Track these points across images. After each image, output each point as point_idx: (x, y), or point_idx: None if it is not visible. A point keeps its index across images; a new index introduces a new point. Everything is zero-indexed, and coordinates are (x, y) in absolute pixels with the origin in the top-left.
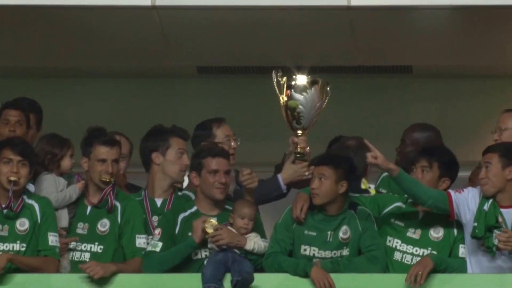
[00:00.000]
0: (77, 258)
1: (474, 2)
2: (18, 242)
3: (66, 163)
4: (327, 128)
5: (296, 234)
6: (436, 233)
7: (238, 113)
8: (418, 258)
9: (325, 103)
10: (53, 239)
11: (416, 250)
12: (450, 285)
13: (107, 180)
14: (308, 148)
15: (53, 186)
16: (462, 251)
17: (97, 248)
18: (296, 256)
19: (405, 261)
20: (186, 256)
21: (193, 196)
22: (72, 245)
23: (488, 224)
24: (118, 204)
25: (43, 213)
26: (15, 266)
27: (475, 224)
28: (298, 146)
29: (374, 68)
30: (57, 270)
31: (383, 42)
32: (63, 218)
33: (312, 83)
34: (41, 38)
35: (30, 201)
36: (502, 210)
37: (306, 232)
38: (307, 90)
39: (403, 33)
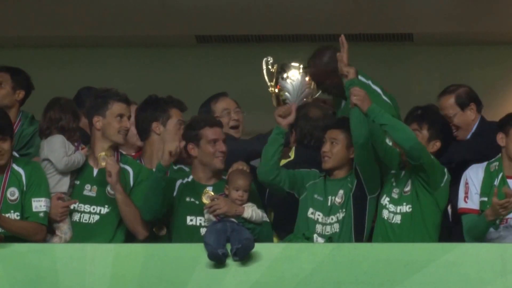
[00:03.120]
0: (85, 220)
1: None
2: (12, 211)
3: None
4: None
5: (307, 195)
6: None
7: (238, 82)
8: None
9: (315, 92)
10: (36, 204)
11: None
12: (450, 254)
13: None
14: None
15: (63, 149)
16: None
17: (106, 210)
18: (302, 218)
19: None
20: (163, 183)
21: (187, 169)
22: (79, 207)
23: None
24: (127, 168)
25: (28, 180)
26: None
27: (485, 199)
28: None
29: (375, 36)
30: (44, 235)
31: (383, 9)
32: (64, 183)
33: (299, 70)
34: (37, 7)
35: (17, 168)
36: (509, 180)
37: (315, 196)
38: (294, 77)
39: (403, 0)
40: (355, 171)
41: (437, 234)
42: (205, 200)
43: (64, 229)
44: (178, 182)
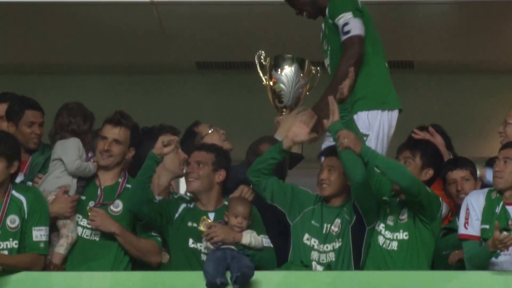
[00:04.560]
0: (86, 236)
1: None
2: (11, 239)
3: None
4: None
5: (303, 219)
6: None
7: (237, 108)
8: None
9: (309, 82)
10: (37, 234)
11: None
12: (453, 283)
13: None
14: None
15: (77, 152)
16: None
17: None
18: (297, 243)
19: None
20: (151, 172)
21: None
22: (82, 221)
23: (499, 227)
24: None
25: (30, 208)
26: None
27: (486, 226)
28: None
29: None
30: (43, 265)
31: (384, 37)
32: (72, 188)
33: (293, 61)
34: (40, 34)
35: (17, 195)
36: (508, 207)
37: (312, 222)
38: (288, 68)
39: (404, 28)
40: (353, 204)
41: (430, 261)
42: (203, 227)
43: (71, 227)
44: (183, 206)
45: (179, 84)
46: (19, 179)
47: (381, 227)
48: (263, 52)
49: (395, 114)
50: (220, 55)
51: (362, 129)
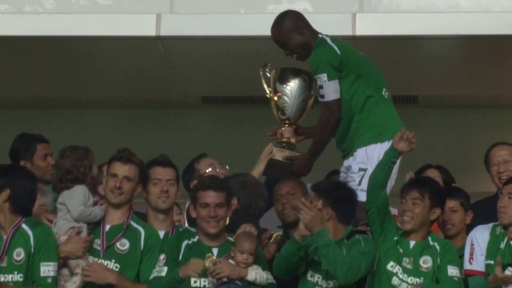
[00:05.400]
0: None
1: (480, 31)
2: (16, 272)
3: (94, 170)
4: (328, 159)
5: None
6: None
7: (241, 142)
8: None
9: (313, 96)
10: (45, 269)
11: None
12: None
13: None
14: (293, 139)
15: (81, 199)
16: (451, 271)
17: (113, 264)
18: (304, 280)
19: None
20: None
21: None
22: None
23: (504, 262)
24: (139, 228)
25: (37, 242)
26: None
27: (491, 262)
28: (284, 137)
29: None
30: None
31: (388, 71)
32: (84, 229)
33: (297, 74)
34: (45, 68)
35: (26, 228)
36: None
37: (316, 257)
38: (291, 81)
39: (409, 63)
40: None
41: None
42: (208, 264)
43: (84, 266)
44: (184, 243)
45: (185, 118)
46: None
47: (396, 269)
48: (269, 64)
49: None
50: (225, 90)
51: (360, 164)
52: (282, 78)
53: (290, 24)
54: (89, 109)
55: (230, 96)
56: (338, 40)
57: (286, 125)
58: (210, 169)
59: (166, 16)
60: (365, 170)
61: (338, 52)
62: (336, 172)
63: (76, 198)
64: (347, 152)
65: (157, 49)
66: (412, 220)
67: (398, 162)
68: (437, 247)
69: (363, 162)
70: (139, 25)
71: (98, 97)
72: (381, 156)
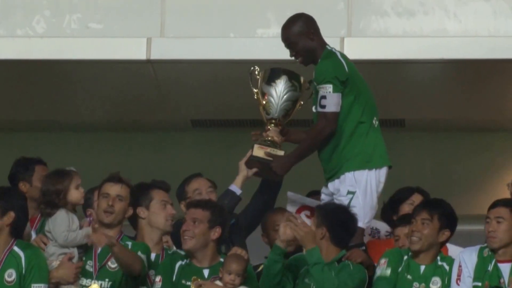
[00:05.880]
0: None
1: (466, 56)
2: None
3: (73, 195)
4: (313, 180)
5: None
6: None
7: (231, 166)
8: None
9: (302, 97)
10: None
11: None
12: None
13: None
14: (277, 138)
15: (65, 224)
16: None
17: (107, 284)
18: None
19: None
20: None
21: (183, 253)
22: (80, 280)
23: (491, 285)
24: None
25: (28, 264)
26: None
27: (479, 284)
28: (269, 136)
29: None
30: None
31: (376, 95)
32: (75, 255)
33: (283, 73)
34: (38, 92)
35: (18, 250)
36: (500, 264)
37: (306, 280)
38: (276, 80)
39: (396, 87)
40: None
41: None
42: (193, 287)
43: None
44: (178, 264)
45: (174, 141)
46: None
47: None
48: (257, 67)
49: (383, 171)
50: (215, 113)
51: (349, 187)
52: (269, 78)
53: (303, 27)
54: (80, 132)
55: (220, 119)
56: (347, 57)
57: (272, 125)
58: (196, 191)
59: (157, 40)
60: (353, 193)
61: (346, 69)
62: (317, 192)
63: (59, 225)
64: (333, 174)
65: (148, 72)
66: (420, 241)
67: (382, 185)
68: (446, 267)
69: (352, 185)
70: (130, 48)
71: (89, 120)
72: (368, 182)
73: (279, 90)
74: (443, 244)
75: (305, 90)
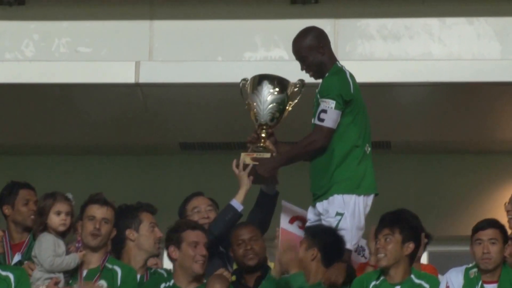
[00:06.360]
0: None
1: (451, 79)
2: None
3: (51, 220)
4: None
5: None
6: None
7: (220, 188)
8: None
9: (290, 98)
10: None
11: None
12: None
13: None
14: (268, 143)
15: (50, 249)
16: None
17: None
18: None
19: None
20: None
21: (164, 273)
22: None
23: None
24: (116, 268)
25: (17, 283)
26: None
27: None
28: (262, 143)
29: None
30: None
31: None
32: (61, 282)
33: (264, 78)
34: (26, 115)
35: (5, 273)
36: (486, 285)
37: None
38: (258, 86)
39: (381, 109)
40: None
41: None
42: None
43: None
44: (162, 286)
45: (163, 164)
46: (16, 258)
47: None
48: (247, 78)
49: (370, 197)
50: (203, 136)
51: (338, 208)
52: (253, 86)
53: (314, 41)
54: (68, 156)
55: (208, 142)
56: (355, 79)
57: (264, 130)
58: (192, 214)
59: (145, 63)
60: (342, 214)
61: (352, 90)
62: None
63: (44, 250)
64: (321, 194)
65: (136, 96)
66: (385, 257)
67: (368, 208)
68: (426, 285)
69: (340, 207)
70: (119, 72)
71: (78, 143)
72: (356, 205)
73: (262, 95)
74: (411, 257)
75: (294, 90)
